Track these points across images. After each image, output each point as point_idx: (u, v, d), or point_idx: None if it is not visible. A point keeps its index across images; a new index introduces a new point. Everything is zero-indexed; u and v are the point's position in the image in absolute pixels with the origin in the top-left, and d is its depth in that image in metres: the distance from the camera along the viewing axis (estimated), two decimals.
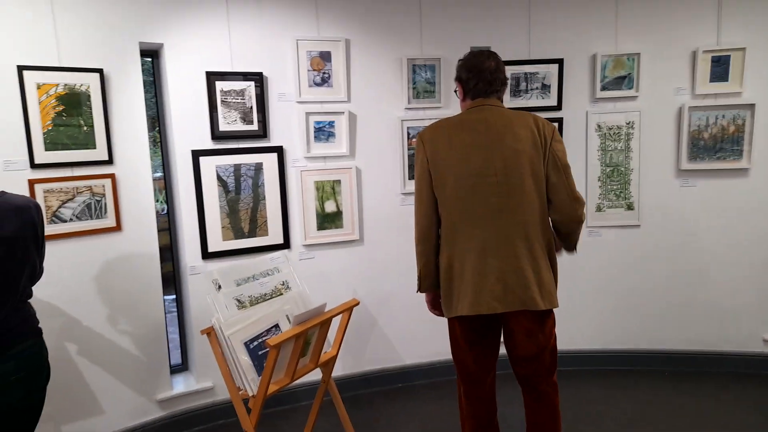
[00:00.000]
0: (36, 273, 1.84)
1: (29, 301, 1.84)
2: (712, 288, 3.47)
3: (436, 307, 2.31)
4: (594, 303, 3.55)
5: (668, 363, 3.53)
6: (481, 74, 2.10)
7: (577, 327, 3.56)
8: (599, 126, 3.43)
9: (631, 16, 3.34)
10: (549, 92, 3.43)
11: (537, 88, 3.42)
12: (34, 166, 2.47)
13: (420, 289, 2.26)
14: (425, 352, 3.52)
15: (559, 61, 3.39)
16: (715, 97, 3.32)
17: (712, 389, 3.26)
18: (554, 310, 2.14)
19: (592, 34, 3.38)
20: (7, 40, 2.39)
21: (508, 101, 3.40)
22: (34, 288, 1.88)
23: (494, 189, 2.03)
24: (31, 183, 2.47)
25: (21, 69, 2.41)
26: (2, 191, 1.74)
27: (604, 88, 3.40)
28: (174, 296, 3.24)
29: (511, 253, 2.02)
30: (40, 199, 2.49)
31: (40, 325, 1.84)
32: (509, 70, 3.35)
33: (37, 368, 1.79)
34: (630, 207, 3.47)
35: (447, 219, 2.11)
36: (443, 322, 3.43)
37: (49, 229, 2.50)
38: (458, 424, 2.99)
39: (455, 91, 2.24)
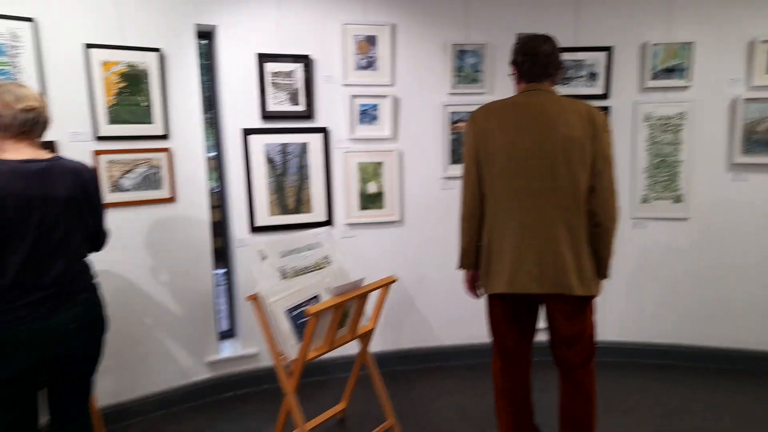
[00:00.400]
0: (89, 233, 1.97)
1: (85, 260, 1.98)
2: (760, 285, 3.37)
3: (471, 287, 2.36)
4: (635, 295, 3.52)
5: (710, 359, 3.47)
6: (535, 58, 2.11)
7: (617, 318, 3.54)
8: (648, 116, 3.37)
9: (686, 4, 3.26)
10: (596, 81, 3.39)
11: (583, 76, 3.39)
12: (98, 138, 2.66)
13: (461, 266, 2.32)
14: (462, 334, 3.57)
15: (608, 49, 3.34)
16: None
17: (756, 388, 3.19)
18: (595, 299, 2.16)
19: (643, 21, 3.32)
20: (75, 20, 2.58)
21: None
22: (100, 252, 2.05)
23: (539, 172, 2.06)
24: (96, 153, 2.66)
25: (87, 47, 2.59)
26: (58, 156, 1.88)
27: (654, 78, 3.34)
28: (224, 270, 3.41)
29: (551, 236, 2.05)
30: (103, 170, 2.68)
31: (95, 281, 1.98)
32: None
33: (93, 320, 1.94)
34: (678, 199, 3.41)
35: (491, 199, 2.16)
36: (480, 305, 3.48)
37: (112, 197, 2.69)
38: (490, 403, 3.06)
39: (510, 75, 2.26)
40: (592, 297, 2.13)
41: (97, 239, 2.04)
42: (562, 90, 3.39)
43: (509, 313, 2.23)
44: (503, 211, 2.12)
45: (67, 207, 1.81)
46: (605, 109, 3.38)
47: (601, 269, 2.11)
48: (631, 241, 3.44)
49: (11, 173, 1.71)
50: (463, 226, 2.27)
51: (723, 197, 3.36)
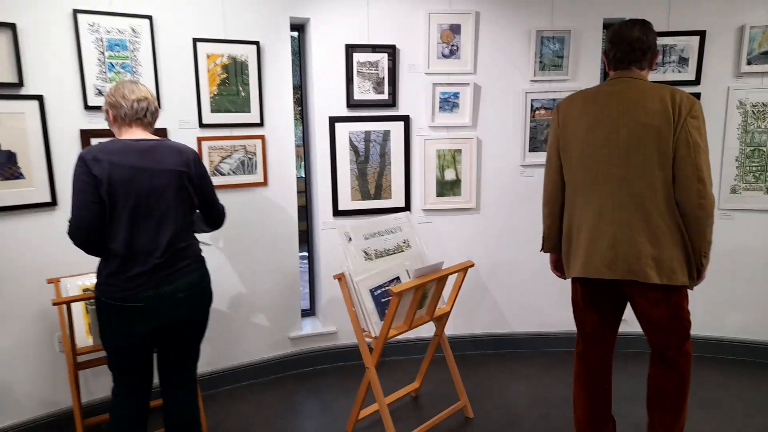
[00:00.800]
0: (203, 209, 2.18)
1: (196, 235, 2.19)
2: None
3: (557, 268, 2.44)
4: (719, 289, 3.40)
5: None
6: (620, 45, 2.12)
7: (698, 312, 3.44)
8: (741, 102, 3.24)
9: None
10: (687, 66, 3.28)
11: (674, 62, 3.29)
12: (201, 125, 2.89)
13: (543, 249, 2.41)
14: (534, 322, 3.61)
15: (701, 33, 3.23)
16: None
17: None
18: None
19: (740, 3, 3.17)
20: (186, 16, 2.80)
21: None
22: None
23: (615, 160, 2.07)
24: (199, 140, 2.89)
25: (195, 41, 2.82)
26: (166, 138, 2.08)
27: (750, 63, 3.19)
28: (305, 253, 3.61)
29: (626, 222, 2.07)
30: (205, 155, 2.91)
31: (203, 255, 2.17)
32: None
33: (201, 290, 2.12)
34: None
35: (570, 185, 2.22)
36: (555, 294, 3.51)
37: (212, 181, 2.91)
38: (565, 391, 3.09)
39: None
40: (678, 287, 2.11)
41: (211, 215, 2.23)
42: (650, 76, 3.30)
43: (589, 296, 2.27)
44: (581, 198, 2.17)
45: (173, 179, 1.98)
46: (695, 95, 3.26)
47: (696, 258, 2.07)
48: (717, 232, 3.33)
49: (124, 147, 1.94)
50: (545, 210, 2.35)
51: None
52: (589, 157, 2.13)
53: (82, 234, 1.92)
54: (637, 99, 2.05)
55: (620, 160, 2.07)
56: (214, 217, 2.26)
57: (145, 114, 2.03)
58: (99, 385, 2.84)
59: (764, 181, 3.27)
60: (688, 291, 2.15)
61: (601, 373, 2.35)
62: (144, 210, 1.94)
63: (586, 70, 3.34)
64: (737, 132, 3.27)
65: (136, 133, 2.02)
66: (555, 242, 2.35)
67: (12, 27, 2.41)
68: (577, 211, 2.19)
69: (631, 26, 2.13)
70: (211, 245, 2.80)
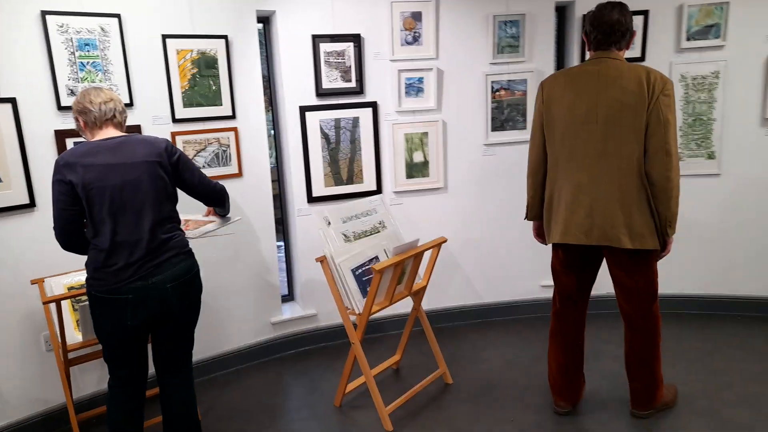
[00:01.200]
0: (198, 194, 2.27)
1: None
2: None
3: (539, 235, 2.65)
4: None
5: (741, 307, 3.64)
6: (600, 27, 2.29)
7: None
8: (683, 76, 3.49)
9: None
10: (633, 44, 3.50)
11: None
12: (175, 120, 2.95)
13: (527, 217, 2.64)
14: (504, 292, 3.82)
15: (645, 12, 3.45)
16: None
17: None
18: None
19: None
20: (154, 13, 2.83)
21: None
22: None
23: (594, 135, 2.27)
24: (173, 135, 2.94)
25: (164, 37, 2.85)
26: (135, 133, 2.16)
27: (689, 39, 3.44)
28: (281, 243, 3.70)
29: (602, 193, 2.28)
30: (179, 148, 2.96)
31: (190, 246, 2.23)
32: None
33: (188, 280, 2.17)
34: (711, 156, 3.54)
35: (552, 158, 2.42)
36: (521, 266, 3.73)
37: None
38: (534, 353, 3.32)
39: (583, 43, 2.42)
40: (648, 251, 2.31)
41: (209, 197, 2.31)
42: None
43: (567, 261, 2.50)
44: (561, 170, 2.38)
45: (145, 170, 2.04)
46: None
47: (662, 226, 2.27)
48: None
49: (93, 147, 2.02)
50: (528, 181, 2.56)
51: (756, 153, 3.48)
52: (571, 133, 2.32)
53: (65, 236, 2.04)
54: (615, 78, 2.23)
55: (599, 136, 2.26)
56: (213, 198, 2.33)
57: (114, 114, 2.10)
58: (87, 381, 2.89)
59: (706, 147, 3.55)
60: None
61: (575, 331, 2.58)
62: (120, 204, 2.01)
63: (540, 52, 3.53)
64: (680, 103, 3.53)
65: (108, 133, 2.08)
66: (537, 211, 2.56)
67: None
68: (558, 182, 2.40)
69: (611, 9, 2.29)
70: (240, 219, 2.84)
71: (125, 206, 2.02)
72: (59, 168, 1.98)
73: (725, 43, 3.41)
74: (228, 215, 2.57)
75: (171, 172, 2.14)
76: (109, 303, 2.03)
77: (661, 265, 2.44)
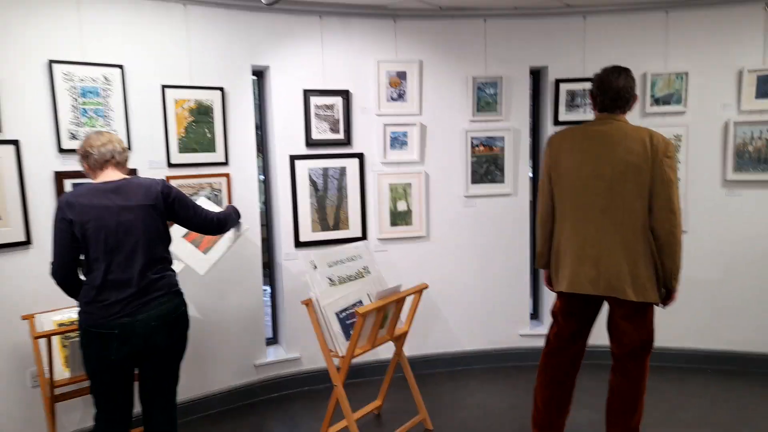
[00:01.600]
0: (197, 225, 2.38)
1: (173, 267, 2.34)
2: (755, 289, 3.70)
3: (547, 283, 2.75)
4: None
5: (709, 361, 3.79)
6: (607, 92, 2.46)
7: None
8: None
9: (680, 37, 3.65)
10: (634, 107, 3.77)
11: (590, 103, 3.77)
12: (170, 165, 3.08)
13: (537, 265, 2.75)
14: (483, 340, 3.92)
15: None
16: (760, 113, 3.58)
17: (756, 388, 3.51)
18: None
19: (642, 54, 3.70)
20: (154, 65, 3.01)
21: (564, 114, 3.78)
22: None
23: (600, 192, 2.42)
24: (168, 179, 3.06)
25: (164, 88, 3.02)
26: (134, 176, 2.29)
27: (653, 104, 3.72)
28: (267, 287, 3.79)
29: (607, 246, 2.41)
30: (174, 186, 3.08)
31: (179, 286, 2.31)
32: (564, 87, 3.74)
33: (173, 319, 2.25)
34: None
35: (559, 211, 2.57)
36: (498, 314, 3.86)
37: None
38: (511, 401, 3.40)
39: (589, 103, 2.58)
40: (649, 303, 2.44)
41: (208, 229, 2.42)
42: (572, 116, 3.77)
43: (570, 308, 2.62)
44: (569, 223, 2.52)
45: (140, 213, 2.16)
46: None
47: (666, 280, 2.40)
48: None
49: (92, 189, 2.15)
50: (537, 231, 2.71)
51: (719, 211, 3.71)
52: (578, 189, 2.47)
53: (62, 272, 2.14)
54: (621, 138, 2.40)
55: (604, 192, 2.41)
56: (210, 229, 2.44)
57: (113, 156, 2.24)
58: (71, 419, 2.89)
59: None
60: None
61: (567, 369, 2.66)
62: (114, 245, 2.12)
63: (516, 111, 3.78)
64: None
65: (109, 175, 2.22)
66: (547, 259, 2.68)
67: None
68: (564, 234, 2.53)
69: (617, 75, 2.44)
70: (248, 228, 2.94)
71: (119, 247, 2.12)
72: (61, 207, 2.10)
73: (686, 109, 3.70)
74: (238, 227, 2.76)
75: (166, 212, 2.26)
76: (96, 336, 2.11)
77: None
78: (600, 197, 2.42)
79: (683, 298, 3.75)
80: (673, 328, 3.85)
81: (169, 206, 2.26)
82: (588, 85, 3.73)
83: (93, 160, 2.21)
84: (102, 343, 2.11)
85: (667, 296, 2.47)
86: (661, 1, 3.58)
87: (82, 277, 2.19)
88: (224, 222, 2.51)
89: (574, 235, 2.50)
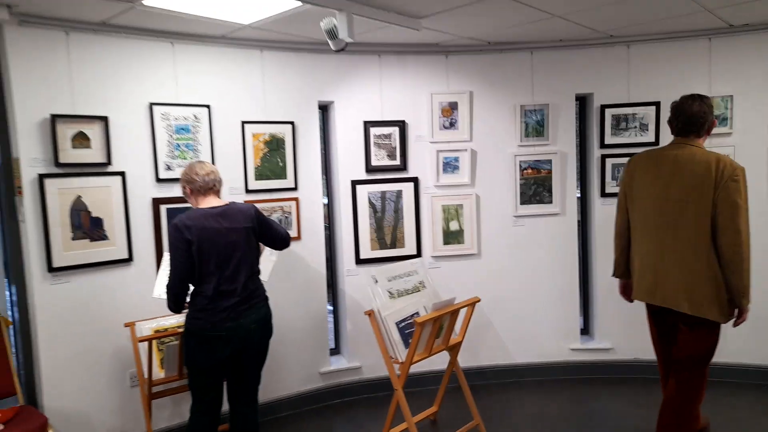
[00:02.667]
0: (271, 242, 2.75)
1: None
2: None
3: (624, 292, 3.02)
4: None
5: (749, 375, 3.82)
6: (680, 117, 2.68)
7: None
8: None
9: (724, 62, 3.78)
10: (647, 130, 3.94)
11: (636, 127, 3.95)
12: (247, 191, 3.48)
13: (614, 274, 3.02)
14: (534, 353, 4.09)
15: (656, 104, 3.90)
16: None
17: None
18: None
19: (687, 78, 3.85)
20: (236, 104, 3.44)
21: (609, 137, 3.96)
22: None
23: (667, 210, 2.65)
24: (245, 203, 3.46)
25: (243, 123, 3.44)
26: (233, 202, 2.67)
27: None
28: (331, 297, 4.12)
29: (667, 262, 2.64)
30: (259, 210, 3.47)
31: (266, 295, 2.72)
32: (610, 112, 3.93)
33: (266, 323, 2.68)
34: None
35: (632, 226, 2.84)
36: (549, 328, 4.05)
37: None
38: (561, 412, 3.56)
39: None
40: (704, 320, 2.56)
41: (280, 242, 2.79)
42: (618, 138, 3.94)
43: (652, 317, 2.91)
44: (639, 238, 2.79)
45: (243, 234, 2.57)
46: None
47: (734, 297, 2.52)
48: None
49: (203, 215, 2.52)
50: (615, 242, 2.99)
51: (765, 230, 3.76)
52: (648, 207, 2.73)
53: (181, 285, 2.49)
54: (688, 162, 2.60)
55: (670, 211, 2.63)
56: (282, 243, 2.81)
57: (215, 184, 2.62)
58: (160, 416, 3.27)
59: None
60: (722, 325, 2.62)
61: (665, 366, 2.91)
62: (224, 260, 2.50)
63: (563, 135, 3.99)
64: None
65: (210, 201, 2.59)
66: (623, 269, 2.95)
67: (104, 119, 3.01)
68: (636, 248, 2.81)
69: (692, 102, 2.64)
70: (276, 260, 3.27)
71: (228, 262, 2.50)
72: (180, 228, 2.44)
73: (732, 131, 3.81)
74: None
75: (258, 230, 2.63)
76: (206, 339, 2.47)
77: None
78: (666, 216, 2.64)
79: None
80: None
81: (260, 227, 2.65)
82: (633, 110, 3.93)
83: (198, 186, 2.58)
84: (210, 344, 2.48)
85: (738, 314, 2.59)
86: (703, 29, 3.74)
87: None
88: (288, 238, 2.86)
89: (641, 249, 2.76)
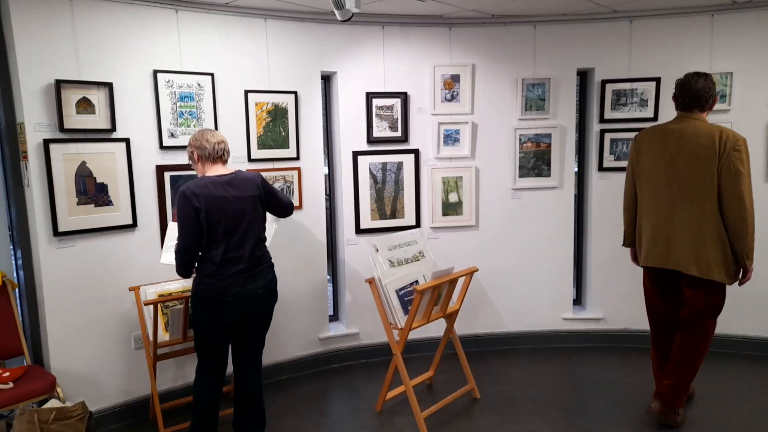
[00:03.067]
0: (277, 209, 2.80)
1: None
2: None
3: (635, 258, 3.16)
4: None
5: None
6: (686, 93, 2.84)
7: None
8: None
9: (725, 39, 3.80)
10: (647, 106, 3.98)
11: (636, 102, 3.98)
12: (250, 159, 3.51)
13: (624, 244, 3.20)
14: (528, 322, 4.21)
15: (657, 80, 3.92)
16: None
17: None
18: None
19: (688, 54, 3.87)
20: (239, 72, 3.44)
21: (609, 112, 4.00)
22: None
23: (671, 181, 2.82)
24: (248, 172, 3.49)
25: (247, 92, 3.45)
26: (239, 170, 2.71)
27: None
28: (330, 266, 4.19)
29: (676, 228, 2.81)
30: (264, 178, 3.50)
31: (272, 261, 2.79)
32: (610, 87, 3.95)
33: (272, 288, 2.75)
34: None
35: (640, 198, 2.99)
36: (543, 299, 4.14)
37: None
38: (554, 377, 3.69)
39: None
40: (711, 281, 2.76)
41: (284, 210, 2.86)
42: (617, 114, 3.98)
43: (653, 280, 3.05)
44: (646, 208, 2.94)
45: (250, 202, 2.62)
46: None
47: (739, 258, 2.73)
48: None
49: (211, 183, 2.56)
50: (623, 215, 3.15)
51: (761, 205, 3.83)
52: (654, 179, 2.88)
53: (191, 251, 2.55)
54: (693, 135, 2.76)
55: (676, 182, 2.80)
56: (287, 211, 2.88)
57: (223, 153, 2.66)
58: (164, 378, 3.37)
59: None
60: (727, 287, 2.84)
61: (667, 339, 3.04)
62: (232, 228, 2.55)
63: (563, 110, 4.02)
64: None
65: (218, 169, 2.63)
66: (632, 239, 3.10)
67: (109, 85, 3.02)
68: (644, 218, 2.96)
69: (697, 78, 2.81)
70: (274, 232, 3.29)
71: (236, 230, 2.56)
72: (188, 196, 2.48)
73: (730, 107, 3.85)
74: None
75: (264, 198, 2.68)
76: (214, 303, 2.55)
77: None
78: (672, 186, 2.80)
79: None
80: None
81: (265, 195, 2.70)
82: (633, 85, 3.96)
83: (207, 153, 2.61)
84: (217, 309, 2.56)
85: (743, 275, 2.80)
86: (706, 5, 3.74)
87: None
88: (292, 206, 2.92)
89: (649, 218, 2.90)
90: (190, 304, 2.77)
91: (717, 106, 3.83)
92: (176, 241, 2.56)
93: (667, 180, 2.82)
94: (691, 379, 2.93)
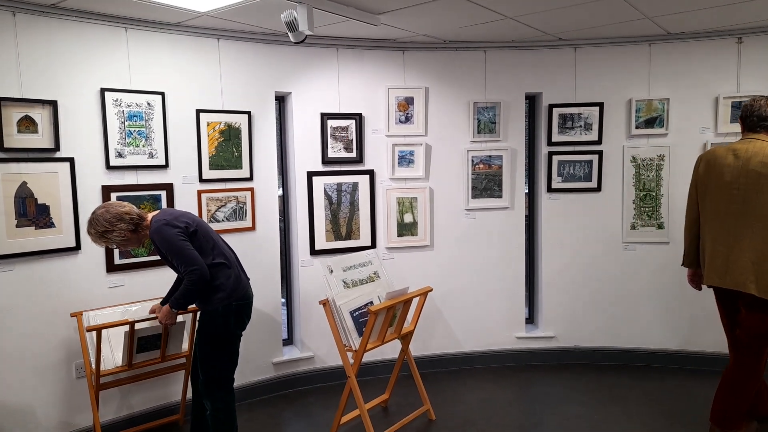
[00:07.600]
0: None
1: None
2: None
3: (693, 280, 3.18)
4: (634, 306, 4.18)
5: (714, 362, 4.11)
6: (751, 115, 2.88)
7: (619, 325, 4.20)
8: (634, 158, 4.11)
9: (662, 67, 4.02)
10: (591, 129, 4.14)
11: (581, 126, 4.15)
12: (201, 180, 3.45)
13: (683, 264, 3.18)
14: (482, 342, 4.25)
15: (600, 104, 4.10)
16: (735, 135, 3.93)
17: None
18: None
19: (628, 81, 4.07)
20: (191, 92, 3.40)
21: (556, 135, 4.14)
22: None
23: (736, 199, 2.82)
24: (199, 192, 3.44)
25: (198, 112, 3.41)
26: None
27: (638, 127, 4.08)
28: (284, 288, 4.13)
29: (738, 246, 2.80)
30: (203, 205, 3.45)
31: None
32: (557, 111, 4.11)
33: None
34: (660, 226, 4.11)
35: (702, 217, 3.00)
36: (496, 318, 4.19)
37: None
38: (508, 396, 3.73)
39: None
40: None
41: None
42: (564, 137, 4.13)
43: (719, 302, 3.04)
44: (708, 226, 2.95)
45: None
46: (599, 152, 4.12)
47: None
48: (624, 261, 4.14)
49: (176, 212, 2.82)
50: (685, 234, 3.14)
51: None
52: (717, 197, 2.90)
53: (197, 260, 2.61)
54: (756, 154, 2.80)
55: (739, 200, 2.82)
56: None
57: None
58: (108, 409, 3.22)
59: (656, 218, 4.12)
60: None
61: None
62: (216, 239, 2.78)
63: (513, 132, 4.15)
64: (633, 180, 4.13)
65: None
66: (692, 258, 3.11)
67: (53, 103, 2.92)
68: (706, 236, 2.96)
69: (762, 103, 2.87)
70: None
71: (220, 241, 2.82)
72: (171, 224, 2.61)
73: (668, 132, 4.06)
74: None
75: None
76: (243, 307, 2.77)
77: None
78: (735, 204, 2.83)
79: (661, 303, 4.06)
80: (664, 330, 4.17)
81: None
82: (579, 110, 4.13)
83: (134, 222, 2.66)
84: (246, 311, 2.79)
85: None
86: (644, 36, 3.96)
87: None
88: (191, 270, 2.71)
89: (710, 236, 2.93)
90: (216, 322, 2.73)
91: (654, 130, 4.06)
92: (186, 284, 2.64)
93: (730, 198, 2.84)
94: (743, 406, 2.88)
